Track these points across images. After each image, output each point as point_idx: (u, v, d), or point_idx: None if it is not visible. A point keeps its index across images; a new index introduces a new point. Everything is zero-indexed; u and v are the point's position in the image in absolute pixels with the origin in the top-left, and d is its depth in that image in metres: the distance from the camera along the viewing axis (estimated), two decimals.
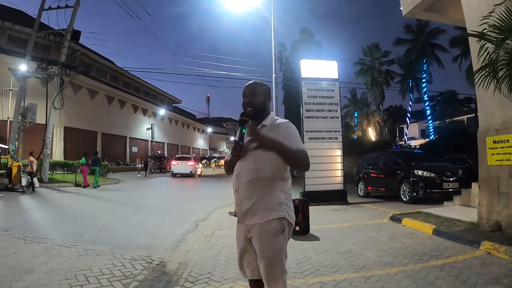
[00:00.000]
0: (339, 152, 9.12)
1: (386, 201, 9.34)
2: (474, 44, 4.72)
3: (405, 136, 36.60)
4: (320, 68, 9.38)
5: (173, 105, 50.97)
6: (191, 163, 22.07)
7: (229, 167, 1.97)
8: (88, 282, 3.21)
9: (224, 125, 69.48)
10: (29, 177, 12.09)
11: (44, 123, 15.56)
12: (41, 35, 16.37)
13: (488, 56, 3.95)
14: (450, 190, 8.30)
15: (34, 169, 12.36)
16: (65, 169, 19.39)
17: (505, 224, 4.64)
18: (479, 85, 4.06)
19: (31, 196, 10.70)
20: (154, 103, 41.16)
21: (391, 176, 9.54)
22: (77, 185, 14.26)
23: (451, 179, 8.58)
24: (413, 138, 38.89)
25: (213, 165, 41.07)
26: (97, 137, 28.58)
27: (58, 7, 15.84)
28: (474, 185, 6.33)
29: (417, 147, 25.24)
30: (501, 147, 4.82)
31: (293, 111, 21.37)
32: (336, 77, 9.46)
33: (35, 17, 16.12)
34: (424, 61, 31.27)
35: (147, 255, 4.20)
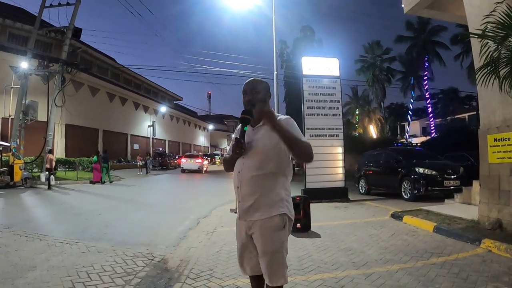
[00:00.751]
0: (340, 150, 9.12)
1: (387, 198, 9.35)
2: (475, 42, 4.70)
3: (406, 134, 36.53)
4: (321, 66, 9.37)
5: (174, 102, 50.89)
6: (199, 160, 25.36)
7: (229, 164, 1.97)
8: (90, 279, 3.23)
9: (225, 122, 69.40)
10: (47, 173, 12.82)
11: (46, 120, 15.63)
12: (42, 32, 16.39)
13: (489, 54, 3.94)
14: (451, 188, 8.32)
15: (53, 166, 12.93)
16: (67, 166, 19.47)
17: (506, 222, 4.65)
18: (481, 83, 4.04)
19: (32, 193, 10.75)
20: (155, 100, 41.09)
21: (392, 173, 9.55)
22: (91, 182, 14.73)
23: (452, 177, 8.59)
24: (414, 136, 38.88)
25: (218, 162, 42.20)
26: (98, 135, 28.57)
27: (59, 4, 15.88)
28: (475, 183, 6.32)
29: (418, 144, 25.25)
30: (502, 145, 4.82)
31: (294, 109, 21.35)
32: (337, 74, 9.43)
33: (36, 14, 16.12)
34: (426, 58, 31.14)
35: (149, 252, 4.22)
